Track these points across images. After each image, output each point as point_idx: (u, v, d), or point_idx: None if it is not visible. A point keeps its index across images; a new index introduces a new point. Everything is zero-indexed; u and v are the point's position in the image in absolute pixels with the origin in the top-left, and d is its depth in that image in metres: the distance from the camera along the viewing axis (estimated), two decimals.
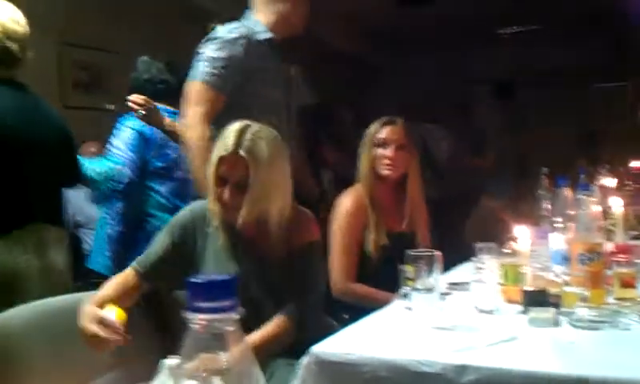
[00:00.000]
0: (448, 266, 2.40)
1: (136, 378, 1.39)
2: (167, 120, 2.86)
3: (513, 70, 4.73)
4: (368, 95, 4.27)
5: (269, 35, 2.63)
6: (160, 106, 2.88)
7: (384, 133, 2.68)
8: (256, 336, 1.81)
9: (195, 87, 2.50)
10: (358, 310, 1.96)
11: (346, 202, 2.64)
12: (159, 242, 1.99)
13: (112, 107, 4.01)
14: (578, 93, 5.09)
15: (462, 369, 1.35)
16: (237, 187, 1.88)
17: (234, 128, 1.91)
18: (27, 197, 2.26)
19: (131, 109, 2.82)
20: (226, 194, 1.88)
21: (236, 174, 1.87)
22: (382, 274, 2.00)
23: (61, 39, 4.30)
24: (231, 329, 0.58)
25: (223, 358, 0.59)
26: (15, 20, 2.27)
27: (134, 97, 2.81)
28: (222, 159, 1.89)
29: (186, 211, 2.05)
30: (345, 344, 1.54)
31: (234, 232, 1.94)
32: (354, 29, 3.88)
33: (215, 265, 1.94)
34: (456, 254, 2.49)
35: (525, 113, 4.55)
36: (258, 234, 1.94)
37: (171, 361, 0.61)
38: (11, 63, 2.27)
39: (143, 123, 2.83)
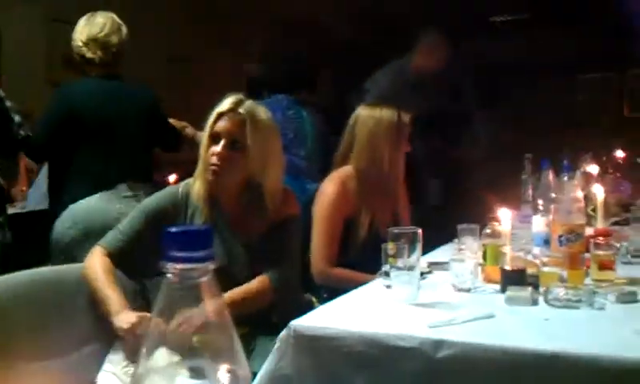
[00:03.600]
0: None
1: None
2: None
3: (505, 58, 4.81)
4: None
5: None
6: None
7: (407, 121, 2.57)
8: (238, 290, 1.82)
9: None
10: (338, 290, 1.95)
11: (331, 188, 2.51)
12: (131, 225, 1.88)
13: None
14: (564, 83, 5.16)
15: (439, 344, 1.36)
16: (231, 145, 1.83)
17: (231, 95, 1.90)
18: (120, 160, 2.72)
19: None
20: (219, 148, 1.82)
21: (232, 130, 1.83)
22: (373, 259, 1.98)
23: (51, 15, 4.27)
24: (205, 279, 0.58)
25: (200, 313, 0.59)
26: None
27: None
28: (220, 115, 1.85)
29: (164, 195, 1.95)
30: (323, 319, 1.55)
31: (218, 210, 1.90)
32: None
33: None
34: None
35: (516, 103, 4.68)
36: (242, 212, 1.92)
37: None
38: (90, 65, 2.79)
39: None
